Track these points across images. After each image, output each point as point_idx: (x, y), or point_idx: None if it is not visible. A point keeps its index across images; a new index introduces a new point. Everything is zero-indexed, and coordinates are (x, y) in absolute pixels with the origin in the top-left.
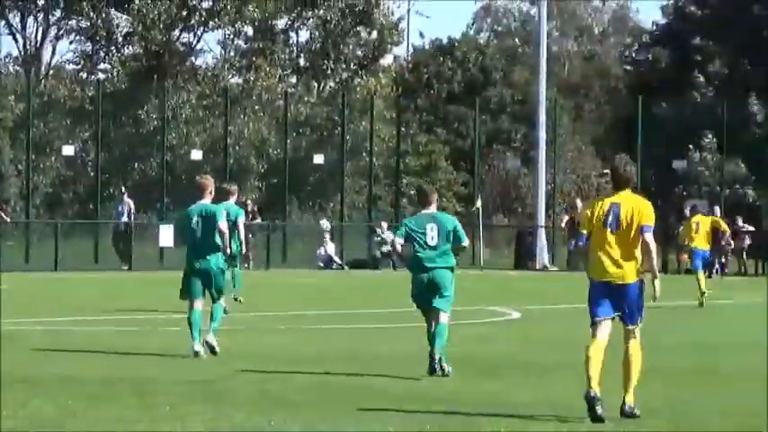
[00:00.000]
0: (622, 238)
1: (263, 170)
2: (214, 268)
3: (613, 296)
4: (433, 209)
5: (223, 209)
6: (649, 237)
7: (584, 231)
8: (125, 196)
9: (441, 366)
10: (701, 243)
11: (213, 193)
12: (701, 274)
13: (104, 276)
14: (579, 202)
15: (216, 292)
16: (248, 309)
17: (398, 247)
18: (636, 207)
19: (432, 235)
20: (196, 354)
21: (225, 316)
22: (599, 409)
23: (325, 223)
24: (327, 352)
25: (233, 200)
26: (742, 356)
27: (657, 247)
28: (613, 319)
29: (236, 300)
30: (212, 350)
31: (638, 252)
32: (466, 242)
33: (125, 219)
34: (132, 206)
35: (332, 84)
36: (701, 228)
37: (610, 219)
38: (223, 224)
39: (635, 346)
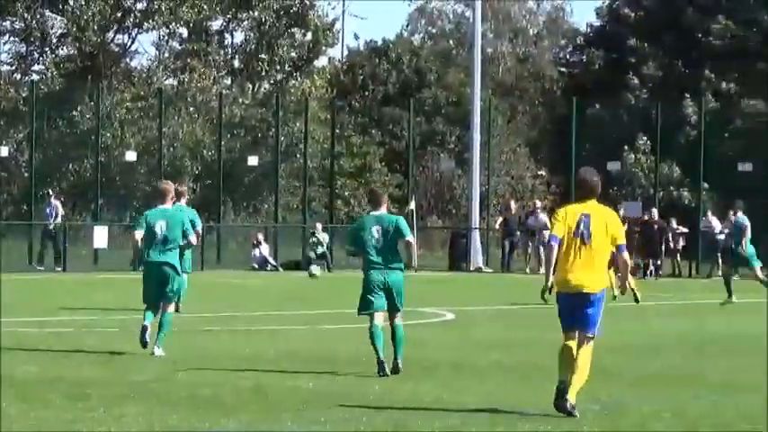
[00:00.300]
0: (593, 249)
1: (197, 171)
2: (172, 273)
3: (580, 305)
4: (382, 210)
5: (188, 219)
6: (626, 255)
7: (558, 234)
8: (52, 198)
9: (398, 369)
10: None
11: (174, 199)
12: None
13: (39, 277)
14: (513, 204)
15: (169, 296)
16: (183, 310)
17: (355, 253)
18: (608, 220)
19: (377, 236)
20: (143, 329)
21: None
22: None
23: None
24: (263, 353)
25: (184, 201)
26: (685, 357)
27: None
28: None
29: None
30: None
31: (606, 262)
32: (409, 236)
33: (53, 220)
34: (60, 208)
35: (266, 85)
36: None
37: (581, 228)
38: (193, 238)
39: (586, 352)
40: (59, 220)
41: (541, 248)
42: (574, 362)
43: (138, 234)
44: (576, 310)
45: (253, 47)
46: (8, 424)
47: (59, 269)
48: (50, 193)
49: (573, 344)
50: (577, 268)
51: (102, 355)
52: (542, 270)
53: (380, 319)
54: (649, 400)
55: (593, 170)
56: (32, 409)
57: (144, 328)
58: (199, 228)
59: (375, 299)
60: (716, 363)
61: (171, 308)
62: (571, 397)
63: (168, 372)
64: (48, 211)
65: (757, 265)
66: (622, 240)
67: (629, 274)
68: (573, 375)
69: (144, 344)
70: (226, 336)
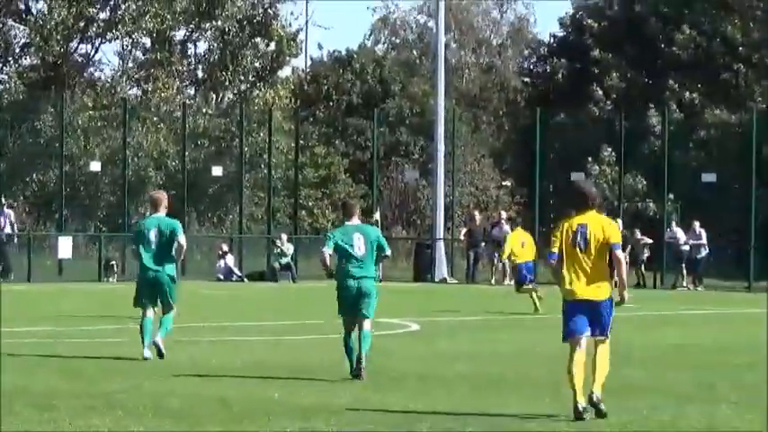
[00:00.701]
0: (592, 257)
1: (161, 182)
2: (167, 279)
3: (587, 313)
4: (356, 221)
5: (179, 224)
6: (620, 253)
7: (554, 250)
8: (5, 207)
9: (360, 369)
10: (526, 256)
11: (167, 207)
12: (528, 286)
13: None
14: (477, 214)
15: (167, 302)
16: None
17: (327, 258)
18: (603, 226)
19: (359, 245)
20: (146, 359)
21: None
22: (587, 418)
23: None
24: (229, 364)
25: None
26: (649, 368)
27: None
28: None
29: None
30: (159, 352)
31: (607, 269)
32: (389, 251)
33: (7, 230)
34: (13, 217)
35: (230, 95)
36: (526, 242)
37: (578, 238)
38: (182, 238)
39: (604, 348)
40: (8, 229)
41: (506, 260)
42: (582, 372)
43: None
44: (584, 318)
45: (216, 57)
46: None
47: (11, 278)
48: (2, 201)
49: (579, 355)
50: (580, 277)
51: (68, 365)
52: (507, 281)
53: (353, 328)
54: (616, 411)
55: (590, 182)
56: None
57: (145, 359)
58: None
59: (349, 307)
60: (680, 374)
61: (172, 311)
62: (597, 390)
63: (134, 382)
64: (1, 221)
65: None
66: (615, 240)
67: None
68: (594, 372)
69: (146, 344)
70: (192, 346)
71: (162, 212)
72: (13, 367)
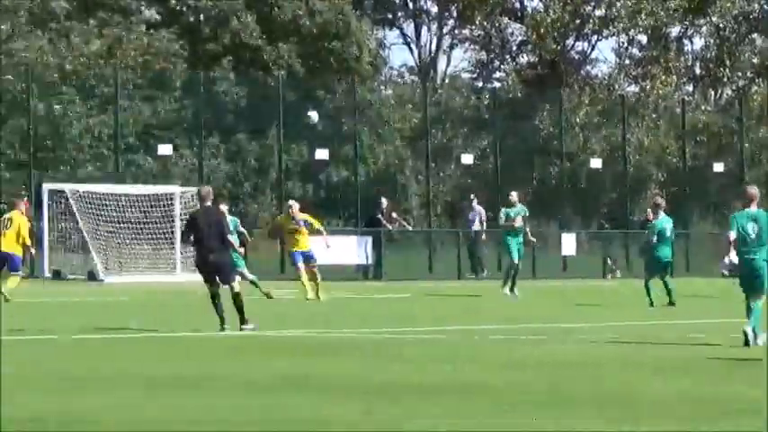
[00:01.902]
0: None
1: (662, 179)
2: (763, 266)
3: None
4: (753, 207)
5: None
6: None
7: None
8: (474, 203)
9: (754, 336)
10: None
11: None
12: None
13: (483, 285)
14: None
15: (760, 290)
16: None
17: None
18: None
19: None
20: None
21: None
22: None
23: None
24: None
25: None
26: None
27: None
28: None
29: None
30: (746, 341)
31: None
32: None
33: (476, 227)
34: (483, 214)
35: (728, 91)
36: None
37: None
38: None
39: None
40: (477, 226)
41: None
42: None
43: (732, 234)
44: None
45: (713, 53)
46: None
47: (483, 276)
48: (472, 197)
49: None
50: None
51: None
52: None
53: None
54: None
55: None
56: (446, 415)
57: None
58: None
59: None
60: None
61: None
62: None
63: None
64: (470, 216)
65: None
66: None
67: None
68: None
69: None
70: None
71: (754, 207)
72: (476, 366)
